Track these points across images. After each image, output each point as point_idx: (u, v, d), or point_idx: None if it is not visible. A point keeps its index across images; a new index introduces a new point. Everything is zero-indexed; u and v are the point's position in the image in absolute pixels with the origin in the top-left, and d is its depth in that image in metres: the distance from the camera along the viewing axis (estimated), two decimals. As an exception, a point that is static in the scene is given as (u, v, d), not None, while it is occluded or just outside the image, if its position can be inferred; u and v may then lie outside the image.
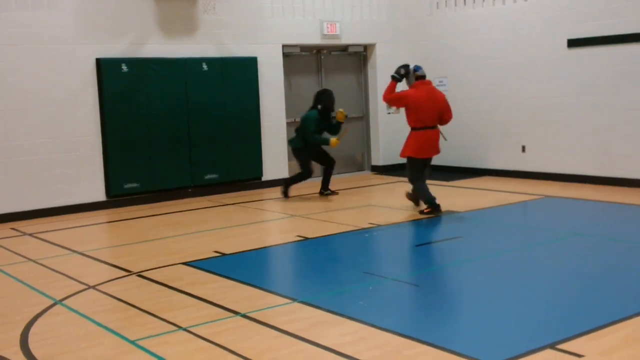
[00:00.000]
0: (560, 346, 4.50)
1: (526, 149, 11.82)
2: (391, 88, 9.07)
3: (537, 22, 11.48)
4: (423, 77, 9.06)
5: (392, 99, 9.02)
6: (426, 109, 8.88)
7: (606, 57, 10.59)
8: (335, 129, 10.77)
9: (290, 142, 11.01)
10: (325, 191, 11.02)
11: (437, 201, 9.00)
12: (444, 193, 10.73)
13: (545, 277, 6.22)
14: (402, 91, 9.08)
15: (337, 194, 11.05)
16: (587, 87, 10.88)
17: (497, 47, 12.07)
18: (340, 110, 10.66)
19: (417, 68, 9.10)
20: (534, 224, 8.66)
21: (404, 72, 9.10)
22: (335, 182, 12.55)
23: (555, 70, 11.28)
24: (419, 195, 9.17)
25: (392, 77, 9.14)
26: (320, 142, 10.59)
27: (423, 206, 9.16)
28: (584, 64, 10.87)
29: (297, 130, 10.89)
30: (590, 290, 5.83)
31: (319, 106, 10.62)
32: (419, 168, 9.06)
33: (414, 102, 8.85)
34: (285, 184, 11.01)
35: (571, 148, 11.16)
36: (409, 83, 9.12)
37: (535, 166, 11.68)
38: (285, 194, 10.90)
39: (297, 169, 12.79)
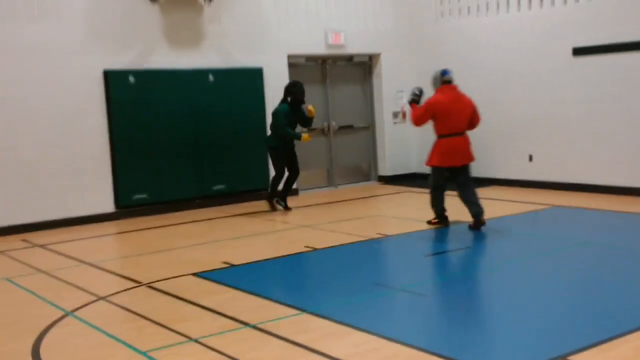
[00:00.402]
0: (570, 358, 4.49)
1: (533, 158, 11.83)
2: (414, 109, 8.70)
3: (543, 30, 11.50)
4: (449, 82, 8.62)
5: (419, 116, 8.57)
6: (453, 114, 8.47)
7: (612, 66, 10.60)
8: (307, 122, 10.71)
9: (267, 140, 10.88)
10: (282, 201, 10.81)
11: (446, 213, 8.92)
12: (451, 203, 10.75)
13: (555, 288, 6.22)
14: (426, 101, 8.63)
15: (290, 210, 10.80)
16: (593, 96, 10.88)
17: (502, 56, 12.10)
18: (311, 106, 10.66)
19: (444, 72, 8.62)
20: (542, 234, 8.64)
21: (419, 92, 8.83)
22: (342, 192, 12.61)
23: (561, 79, 11.29)
24: (431, 203, 8.88)
25: (411, 100, 8.83)
26: (291, 136, 10.43)
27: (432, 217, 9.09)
28: (590, 72, 10.88)
29: (271, 127, 10.76)
30: (601, 301, 5.81)
31: (289, 99, 10.48)
32: (441, 177, 8.66)
33: (441, 108, 8.44)
34: (281, 198, 10.82)
35: (579, 157, 11.16)
36: (434, 87, 8.71)
37: (543, 175, 11.67)
38: (285, 207, 10.79)
39: (301, 180, 12.88)
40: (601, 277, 6.54)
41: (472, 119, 8.68)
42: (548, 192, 11.23)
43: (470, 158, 8.65)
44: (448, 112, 8.44)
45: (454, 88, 8.64)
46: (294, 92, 10.47)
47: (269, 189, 10.92)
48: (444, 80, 8.60)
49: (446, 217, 8.90)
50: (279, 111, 10.44)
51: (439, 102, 8.45)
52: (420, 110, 8.57)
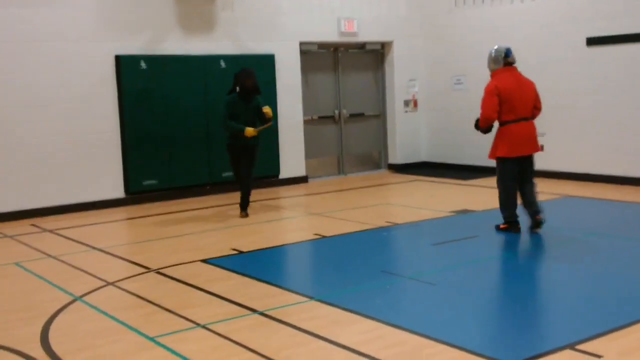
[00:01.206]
0: (579, 346, 4.48)
1: (544, 147, 11.74)
2: (483, 110, 7.60)
3: (556, 20, 11.42)
4: (512, 63, 7.66)
5: (487, 105, 7.49)
6: (517, 97, 7.48)
7: (626, 56, 10.51)
8: (266, 121, 9.30)
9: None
10: (242, 210, 9.52)
11: (519, 219, 7.77)
12: (460, 192, 10.71)
13: (564, 277, 6.19)
14: (488, 86, 7.59)
15: (246, 216, 9.44)
16: (606, 86, 10.80)
17: (516, 45, 11.84)
18: (267, 107, 9.29)
19: (508, 52, 7.64)
20: (552, 224, 8.57)
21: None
22: (352, 180, 12.59)
23: (574, 69, 11.21)
24: (501, 203, 7.74)
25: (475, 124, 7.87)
26: (232, 129, 9.11)
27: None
28: (603, 62, 10.80)
29: None
30: (610, 290, 5.78)
31: (237, 88, 9.22)
32: (511, 170, 7.63)
33: (503, 91, 7.44)
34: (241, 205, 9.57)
35: (591, 147, 11.09)
36: (492, 68, 7.70)
37: (554, 165, 11.60)
38: (243, 213, 9.51)
39: (312, 168, 12.87)
40: (611, 267, 6.50)
41: (535, 104, 7.71)
42: (559, 182, 11.17)
43: (538, 147, 7.74)
44: (511, 96, 7.46)
45: (515, 70, 7.68)
46: (241, 81, 9.17)
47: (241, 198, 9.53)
48: (507, 61, 7.62)
49: (517, 222, 7.74)
50: (223, 102, 9.30)
51: (500, 87, 7.46)
52: (488, 103, 7.48)
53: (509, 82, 7.49)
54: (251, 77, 9.19)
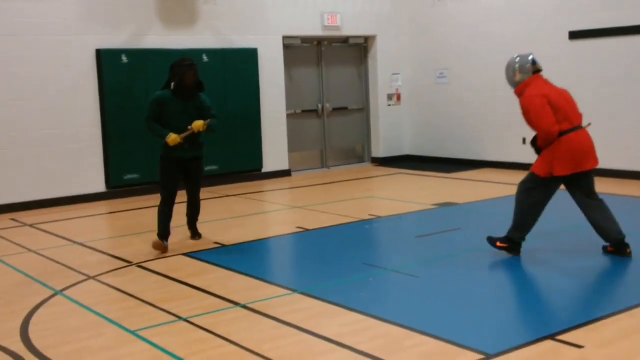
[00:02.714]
0: (560, 337, 4.50)
1: (527, 140, 11.79)
2: (540, 127, 6.33)
3: (539, 13, 11.45)
4: (540, 71, 6.50)
5: (543, 119, 6.22)
6: (565, 103, 6.36)
7: (608, 49, 10.57)
8: (206, 116, 7.33)
9: None
10: (193, 235, 7.75)
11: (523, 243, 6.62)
12: (443, 184, 10.74)
13: (545, 268, 6.22)
14: (528, 97, 6.30)
15: (199, 238, 7.73)
16: (588, 79, 10.85)
17: (499, 39, 12.03)
18: (200, 122, 7.20)
19: (535, 60, 6.48)
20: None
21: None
22: (335, 174, 12.57)
23: (556, 62, 11.24)
24: (518, 221, 6.49)
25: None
26: (153, 132, 7.26)
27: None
28: (586, 55, 10.85)
29: None
30: (591, 281, 5.83)
31: (173, 83, 7.20)
32: (554, 189, 6.48)
33: (551, 98, 6.29)
34: (189, 227, 7.83)
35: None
36: (521, 79, 6.41)
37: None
38: (193, 235, 7.76)
39: (295, 161, 12.84)
40: (592, 258, 6.51)
41: None
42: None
43: (597, 159, 6.49)
44: (560, 102, 6.32)
45: (544, 78, 6.53)
46: (179, 75, 7.11)
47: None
48: (536, 68, 6.46)
49: (520, 245, 6.60)
50: (150, 99, 7.40)
51: (546, 92, 6.30)
52: (538, 112, 6.24)
53: (549, 88, 6.37)
54: (192, 69, 7.12)
